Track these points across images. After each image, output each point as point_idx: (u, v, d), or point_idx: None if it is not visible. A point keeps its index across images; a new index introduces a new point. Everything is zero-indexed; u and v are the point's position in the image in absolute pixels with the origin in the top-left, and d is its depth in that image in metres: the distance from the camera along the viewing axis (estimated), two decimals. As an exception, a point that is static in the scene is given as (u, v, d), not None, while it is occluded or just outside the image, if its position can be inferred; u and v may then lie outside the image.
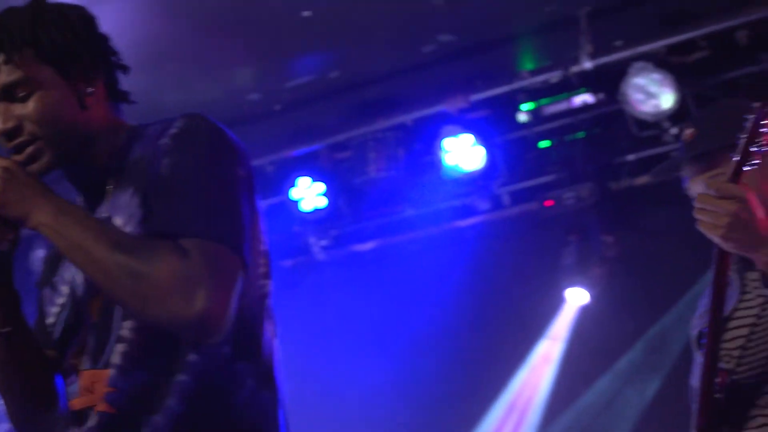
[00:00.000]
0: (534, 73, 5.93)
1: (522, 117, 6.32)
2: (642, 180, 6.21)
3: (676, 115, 5.76)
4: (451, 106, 6.06)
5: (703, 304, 3.06)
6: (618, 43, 5.79)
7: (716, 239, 2.51)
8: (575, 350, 6.21)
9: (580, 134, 6.28)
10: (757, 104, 2.55)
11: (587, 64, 5.70)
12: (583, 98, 6.17)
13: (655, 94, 5.70)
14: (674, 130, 5.85)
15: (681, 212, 6.19)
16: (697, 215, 2.53)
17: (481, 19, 5.72)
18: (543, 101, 6.27)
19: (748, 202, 2.47)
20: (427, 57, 5.98)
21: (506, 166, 6.32)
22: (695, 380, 3.09)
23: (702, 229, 2.53)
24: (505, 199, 6.51)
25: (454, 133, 6.18)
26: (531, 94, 6.24)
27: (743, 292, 2.89)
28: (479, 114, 6.27)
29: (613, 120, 6.13)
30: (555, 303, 6.22)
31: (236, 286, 1.94)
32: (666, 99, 5.68)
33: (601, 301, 6.15)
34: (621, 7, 5.75)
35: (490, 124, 6.30)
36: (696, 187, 2.91)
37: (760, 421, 2.73)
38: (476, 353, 6.40)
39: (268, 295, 2.16)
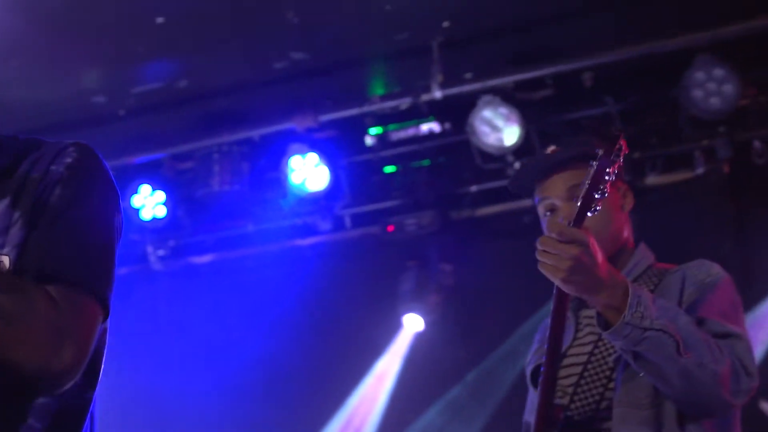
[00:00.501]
0: (384, 98, 5.96)
1: (369, 141, 6.36)
2: (483, 211, 6.32)
3: (520, 150, 5.88)
4: (300, 124, 6.04)
5: (538, 339, 3.14)
6: (468, 75, 5.88)
7: (557, 282, 2.55)
8: (409, 375, 6.25)
9: (426, 162, 6.36)
10: (600, 151, 2.58)
11: (437, 94, 5.76)
12: (431, 126, 6.26)
13: (500, 128, 5.81)
14: (517, 164, 5.96)
15: (519, 246, 6.37)
16: (540, 257, 2.56)
17: (335, 40, 5.71)
18: (391, 127, 6.32)
19: (590, 247, 2.50)
20: (278, 73, 5.93)
21: (350, 189, 6.34)
22: (530, 416, 3.16)
23: (543, 270, 2.56)
24: (347, 221, 6.52)
25: (300, 152, 6.16)
26: (379, 119, 6.27)
27: (577, 330, 2.96)
28: (327, 134, 6.27)
29: (459, 150, 6.21)
30: (392, 327, 6.24)
31: (96, 335, 1.90)
32: (510, 133, 5.79)
33: (436, 329, 6.20)
34: (473, 41, 5.83)
35: (337, 146, 6.31)
36: (555, 193, 2.95)
37: None
38: (311, 372, 6.38)
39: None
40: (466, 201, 6.29)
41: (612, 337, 2.56)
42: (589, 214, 2.56)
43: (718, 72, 5.44)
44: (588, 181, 2.56)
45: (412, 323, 6.16)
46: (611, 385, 2.78)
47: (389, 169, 6.47)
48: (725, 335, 2.69)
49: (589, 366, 2.84)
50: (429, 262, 6.16)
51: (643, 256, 2.99)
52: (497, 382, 6.02)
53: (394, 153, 6.38)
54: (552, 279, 2.56)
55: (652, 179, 5.92)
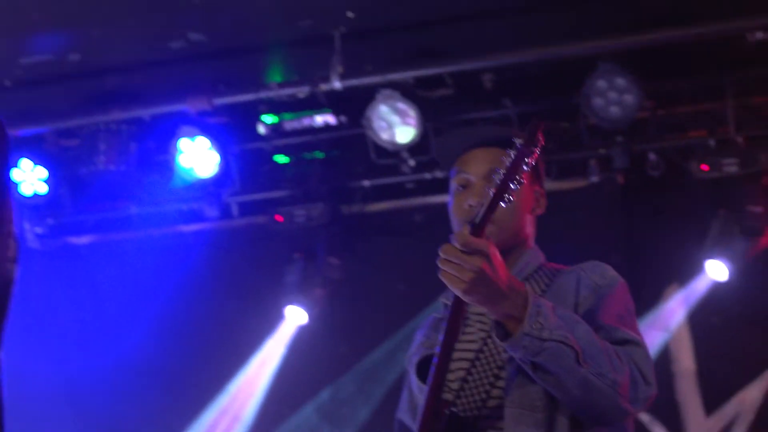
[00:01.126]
0: (282, 85, 5.79)
1: (262, 129, 6.22)
2: (374, 207, 6.26)
3: (415, 148, 5.82)
4: (193, 106, 5.85)
5: (423, 334, 3.06)
6: (369, 67, 5.78)
7: (458, 292, 2.50)
8: (290, 367, 6.15)
9: (319, 154, 6.26)
10: (519, 140, 2.54)
11: (337, 84, 5.62)
12: (326, 118, 6.16)
13: (396, 124, 5.74)
14: (412, 162, 5.92)
15: (408, 244, 6.36)
16: (441, 266, 2.50)
17: (235, 22, 5.54)
18: (285, 116, 6.20)
19: (492, 258, 2.46)
20: (174, 53, 5.73)
21: (239, 176, 6.19)
22: (403, 414, 3.14)
23: (444, 279, 2.50)
24: (234, 209, 6.38)
25: (191, 135, 5.98)
26: (274, 107, 6.14)
27: (465, 325, 2.88)
28: (220, 119, 6.10)
29: (354, 144, 6.13)
30: (275, 319, 6.12)
31: None
32: (406, 130, 5.73)
33: (320, 323, 6.12)
34: (376, 34, 5.72)
35: (229, 132, 6.15)
36: (476, 170, 2.87)
37: None
38: (189, 360, 6.25)
39: (13, 281, 1.96)
40: (357, 195, 6.21)
41: (511, 348, 2.52)
42: (502, 204, 2.51)
43: (620, 81, 5.45)
44: (504, 171, 2.51)
45: (296, 316, 6.05)
46: (499, 383, 2.73)
47: (281, 158, 6.34)
48: (623, 342, 2.66)
49: (477, 363, 2.78)
50: (316, 255, 6.06)
51: (535, 255, 2.94)
52: (380, 379, 5.97)
53: (287, 143, 6.26)
54: (452, 289, 2.50)
55: (546, 184, 5.88)
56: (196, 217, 6.39)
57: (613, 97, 5.49)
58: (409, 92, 5.73)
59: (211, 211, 6.28)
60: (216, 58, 5.83)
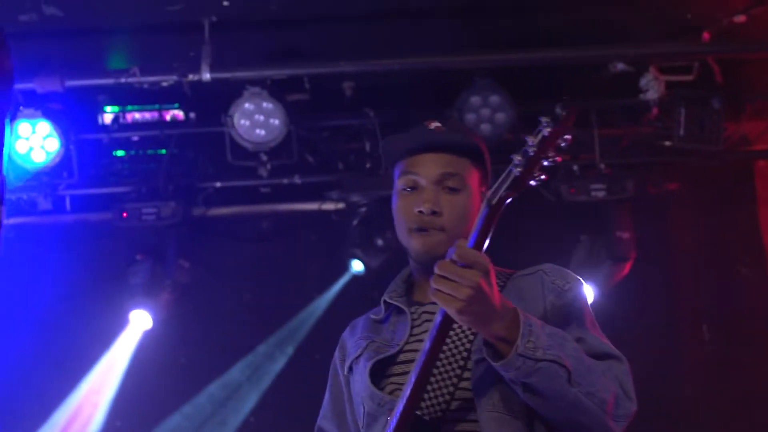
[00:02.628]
0: (145, 73, 5.40)
1: (107, 119, 5.84)
2: (223, 211, 5.98)
3: (275, 151, 5.60)
4: (42, 86, 5.39)
5: (358, 337, 2.89)
6: (236, 64, 5.50)
7: (452, 312, 2.31)
8: (137, 374, 5.79)
9: (163, 150, 5.90)
10: (546, 119, 2.32)
11: (206, 76, 5.30)
12: (174, 113, 5.86)
13: (262, 124, 5.49)
14: (270, 166, 5.68)
15: (255, 251, 6.15)
16: (435, 284, 2.30)
17: (98, 1, 5.17)
18: (129, 107, 5.86)
19: (490, 274, 2.29)
20: (23, 26, 5.28)
21: (80, 167, 5.76)
22: (325, 421, 2.98)
23: (436, 299, 2.31)
24: (71, 202, 5.91)
25: (31, 118, 5.53)
26: (117, 98, 5.78)
27: (413, 326, 2.76)
28: (64, 104, 5.64)
29: (207, 143, 5.84)
30: (119, 322, 5.75)
31: None
32: (271, 130, 5.50)
33: (168, 328, 5.79)
34: (246, 28, 5.46)
35: (72, 118, 5.70)
36: (427, 173, 2.72)
37: None
38: (28, 365, 5.74)
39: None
40: (207, 197, 5.91)
41: (503, 369, 2.36)
42: (532, 183, 2.31)
43: (495, 99, 5.41)
44: (534, 149, 2.30)
45: (141, 320, 5.67)
46: (463, 384, 2.59)
47: (121, 153, 5.95)
48: (606, 356, 2.56)
49: (437, 364, 2.61)
50: (164, 257, 5.71)
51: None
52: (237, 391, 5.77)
53: (132, 136, 5.87)
54: (446, 308, 2.31)
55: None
56: (29, 208, 5.87)
57: (485, 114, 5.44)
58: (275, 92, 5.50)
59: (45, 204, 5.80)
60: (70, 37, 5.38)
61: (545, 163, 2.25)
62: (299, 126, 5.63)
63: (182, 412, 5.91)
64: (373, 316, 2.94)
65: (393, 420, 2.56)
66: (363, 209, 5.73)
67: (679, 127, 5.65)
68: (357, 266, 5.73)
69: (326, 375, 6.01)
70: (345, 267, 5.82)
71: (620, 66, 5.63)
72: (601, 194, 5.49)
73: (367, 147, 5.78)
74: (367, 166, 5.74)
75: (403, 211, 2.75)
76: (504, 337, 2.34)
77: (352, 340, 2.95)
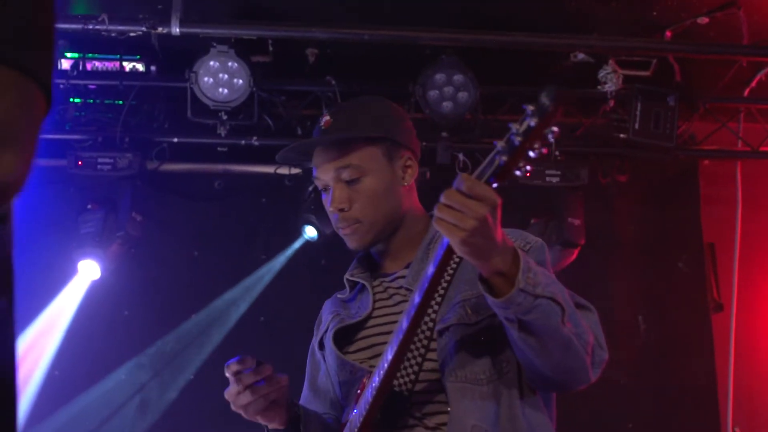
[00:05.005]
0: (111, 22, 5.32)
1: (65, 64, 5.77)
2: (176, 166, 5.97)
3: (235, 111, 5.59)
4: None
5: (327, 316, 2.99)
6: (204, 21, 5.45)
7: (454, 241, 2.27)
8: (82, 324, 5.74)
9: (120, 102, 5.84)
10: (531, 108, 2.14)
11: (175, 30, 5.23)
12: (135, 65, 5.81)
13: (225, 83, 5.48)
14: (229, 125, 5.66)
15: (206, 209, 6.12)
16: (439, 213, 2.25)
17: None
18: (90, 55, 5.78)
19: (497, 209, 2.27)
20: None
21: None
22: (303, 403, 3.02)
23: (439, 227, 2.28)
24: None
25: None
26: (78, 44, 5.70)
27: (375, 300, 2.84)
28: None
29: (170, 98, 5.81)
30: (65, 270, 5.69)
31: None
32: (235, 90, 5.49)
33: (115, 278, 5.76)
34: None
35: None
36: (325, 176, 2.82)
37: (420, 431, 2.65)
38: None
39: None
40: (163, 151, 5.87)
41: (503, 305, 2.36)
42: (517, 173, 2.22)
43: (458, 78, 5.45)
44: (520, 138, 2.15)
45: (89, 270, 5.62)
46: (431, 355, 2.65)
47: (77, 100, 5.88)
48: (578, 305, 2.60)
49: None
50: (117, 208, 5.66)
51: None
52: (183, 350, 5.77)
53: (90, 84, 5.80)
54: (448, 237, 2.28)
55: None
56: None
57: (448, 92, 5.48)
58: (242, 52, 5.49)
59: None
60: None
61: (531, 155, 2.16)
62: (261, 88, 5.62)
63: (124, 369, 5.88)
64: (339, 296, 3.03)
65: (368, 393, 2.63)
66: (319, 176, 5.73)
67: (634, 121, 5.75)
68: (310, 232, 5.74)
69: (271, 339, 6.07)
70: (297, 232, 5.82)
71: (581, 56, 5.70)
72: (555, 180, 5.57)
73: (326, 115, 5.78)
74: (326, 133, 5.74)
75: (327, 212, 2.89)
76: (503, 271, 2.34)
77: (324, 316, 3.03)
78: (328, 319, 2.96)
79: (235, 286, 5.92)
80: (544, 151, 2.17)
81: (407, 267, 2.83)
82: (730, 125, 6.20)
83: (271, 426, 2.82)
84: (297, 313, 5.69)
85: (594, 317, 2.65)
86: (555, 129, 2.14)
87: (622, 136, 5.80)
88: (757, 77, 6.10)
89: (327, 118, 2.86)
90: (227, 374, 2.68)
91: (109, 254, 5.60)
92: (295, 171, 5.89)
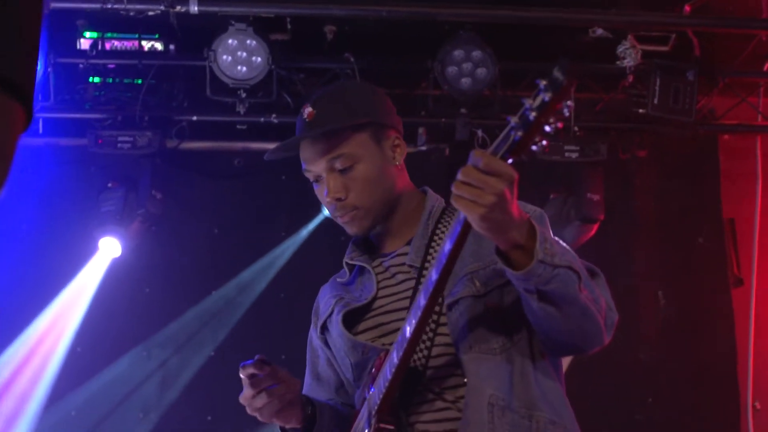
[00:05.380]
0: (129, 1, 5.34)
1: (84, 44, 5.79)
2: (196, 145, 6.01)
3: (254, 89, 5.61)
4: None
5: (329, 298, 2.99)
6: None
7: (473, 218, 2.28)
8: (104, 302, 5.78)
9: (139, 80, 5.86)
10: (543, 82, 2.15)
11: (194, 8, 5.28)
12: (153, 44, 5.83)
13: (244, 61, 5.50)
14: (248, 102, 5.69)
15: (227, 188, 6.16)
16: (457, 190, 2.26)
17: None
18: (109, 35, 5.80)
19: (514, 184, 2.26)
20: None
21: (56, 91, 5.72)
22: (306, 392, 3.02)
23: (458, 204, 2.28)
24: (44, 125, 5.85)
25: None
26: (97, 23, 5.72)
27: (379, 279, 2.85)
28: (44, 28, 5.60)
29: (189, 76, 5.83)
30: (87, 248, 5.72)
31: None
32: (254, 68, 5.50)
33: (135, 256, 5.80)
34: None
35: (50, 42, 5.65)
36: (316, 168, 2.80)
37: (440, 405, 2.67)
38: (2, 284, 5.68)
39: None
40: (182, 130, 5.90)
41: (523, 277, 2.37)
42: (533, 148, 2.23)
43: (477, 54, 5.45)
44: (535, 113, 2.16)
45: (110, 248, 5.66)
46: (441, 330, 2.67)
47: (97, 79, 5.91)
48: (587, 270, 2.58)
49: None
50: (137, 186, 5.70)
51: (433, 196, 2.91)
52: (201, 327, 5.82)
53: (109, 63, 5.82)
54: (467, 214, 2.28)
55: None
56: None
57: (467, 68, 5.49)
58: (260, 29, 5.50)
59: (17, 127, 5.75)
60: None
61: (547, 129, 2.16)
62: (279, 66, 5.63)
63: (146, 346, 5.94)
64: (339, 279, 3.02)
65: (387, 371, 2.63)
66: (338, 153, 5.76)
67: (653, 96, 5.74)
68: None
69: (291, 315, 6.10)
70: (316, 209, 5.85)
71: (599, 31, 5.68)
72: (574, 155, 5.57)
73: (344, 92, 5.80)
74: (344, 110, 5.76)
75: (322, 202, 2.87)
76: (521, 244, 2.35)
77: (323, 302, 3.03)
78: (330, 304, 2.95)
79: (255, 263, 5.96)
80: (560, 125, 2.16)
81: (408, 244, 2.83)
82: (750, 100, 6.18)
83: (288, 426, 2.84)
84: (317, 290, 5.74)
85: (602, 280, 2.66)
86: (570, 103, 2.14)
87: (641, 111, 5.79)
88: (778, 51, 6.09)
89: (309, 109, 2.84)
90: (242, 375, 2.70)
91: (129, 232, 5.65)
92: (314, 148, 5.90)
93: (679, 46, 5.86)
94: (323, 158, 2.78)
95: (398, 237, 2.87)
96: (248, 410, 2.75)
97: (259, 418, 2.76)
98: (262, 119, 5.79)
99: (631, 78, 5.84)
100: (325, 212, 5.78)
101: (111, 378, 5.85)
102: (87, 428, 5.83)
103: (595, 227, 5.71)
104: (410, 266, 2.78)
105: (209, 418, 5.88)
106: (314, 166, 2.81)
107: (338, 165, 2.77)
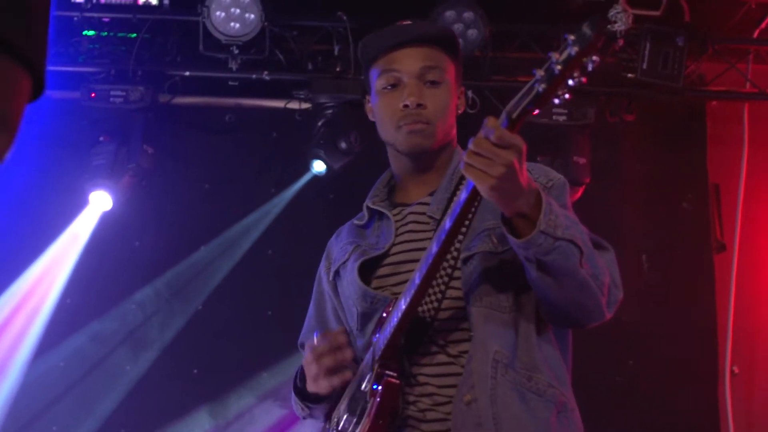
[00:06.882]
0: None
1: (79, -1, 5.81)
2: (188, 100, 6.04)
3: (247, 45, 5.63)
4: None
5: (344, 241, 3.02)
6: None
7: (483, 187, 2.36)
8: (94, 254, 5.83)
9: (134, 35, 5.87)
10: (571, 37, 2.15)
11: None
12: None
13: (237, 17, 5.52)
14: (240, 59, 5.71)
15: (218, 143, 6.18)
16: (468, 159, 2.34)
17: None
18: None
19: (523, 154, 2.35)
20: None
21: (50, 44, 5.71)
22: (307, 337, 3.08)
23: (468, 174, 2.36)
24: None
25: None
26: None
27: (398, 228, 2.87)
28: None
29: (182, 32, 5.85)
30: (80, 202, 5.76)
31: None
32: (246, 24, 5.53)
33: (126, 210, 5.84)
34: None
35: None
36: (408, 68, 2.80)
37: (443, 358, 2.71)
38: None
39: None
40: (175, 84, 5.92)
41: (523, 245, 2.44)
42: (556, 101, 2.27)
43: (468, 15, 5.48)
44: (559, 66, 2.17)
45: (101, 201, 5.70)
46: (454, 284, 2.72)
47: (91, 33, 5.93)
48: (597, 245, 2.67)
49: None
50: (129, 140, 5.72)
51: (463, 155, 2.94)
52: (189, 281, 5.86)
53: (103, 17, 5.83)
54: (477, 183, 2.36)
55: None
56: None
57: (458, 29, 5.50)
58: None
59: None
60: None
61: (570, 83, 2.20)
62: (272, 23, 5.65)
63: (133, 300, 5.99)
64: (356, 222, 3.05)
65: (393, 317, 2.69)
66: (329, 111, 5.79)
67: (642, 61, 5.78)
68: (318, 167, 5.80)
69: (278, 272, 6.15)
70: (305, 167, 5.89)
71: (589, -5, 5.72)
72: (562, 119, 5.61)
73: (336, 50, 5.83)
74: (337, 69, 5.79)
75: (388, 108, 2.83)
76: (526, 213, 2.42)
77: (338, 246, 3.05)
78: (347, 250, 2.98)
79: (244, 219, 6.01)
80: (584, 80, 2.20)
81: (430, 194, 2.86)
82: (739, 66, 6.22)
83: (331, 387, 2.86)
84: (305, 246, 5.77)
85: (611, 256, 2.71)
86: (595, 58, 2.17)
87: (630, 75, 5.82)
88: (767, 19, 6.12)
89: (407, 22, 2.89)
90: (310, 347, 2.80)
91: (120, 186, 5.68)
92: (305, 106, 5.94)
93: (671, 10, 5.88)
94: (422, 62, 2.80)
95: (423, 186, 2.90)
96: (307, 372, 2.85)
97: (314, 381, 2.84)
98: (254, 76, 5.82)
99: (621, 42, 5.86)
100: (314, 169, 5.83)
101: (99, 330, 5.91)
102: (75, 379, 5.90)
103: (581, 190, 5.75)
104: (430, 217, 2.81)
105: (195, 371, 5.95)
106: (407, 67, 2.81)
107: (430, 76, 2.79)
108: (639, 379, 6.15)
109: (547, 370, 2.66)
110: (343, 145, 5.71)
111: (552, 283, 2.51)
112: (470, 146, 2.34)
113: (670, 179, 6.49)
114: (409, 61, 2.81)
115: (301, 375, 2.96)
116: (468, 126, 2.84)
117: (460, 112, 2.91)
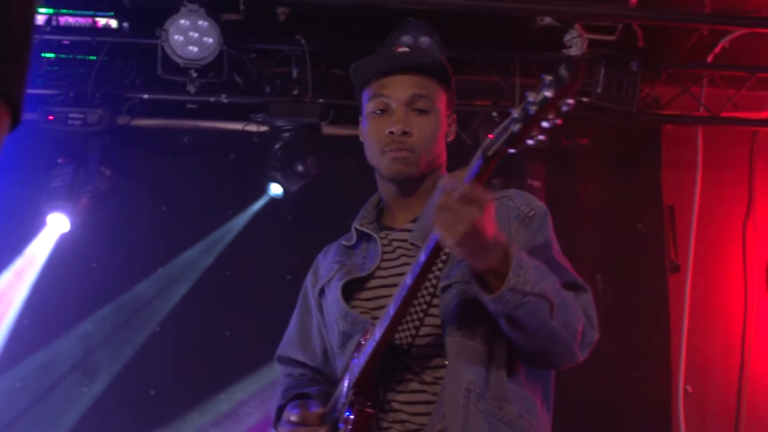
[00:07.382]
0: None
1: (40, 19, 5.81)
2: (149, 122, 6.05)
3: (205, 69, 5.66)
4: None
5: (330, 260, 3.05)
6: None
7: (449, 243, 2.39)
8: (51, 277, 5.83)
9: (93, 57, 5.89)
10: (548, 78, 2.13)
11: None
12: (108, 21, 5.87)
13: (195, 41, 5.55)
14: (198, 82, 5.74)
15: (175, 165, 6.20)
16: (437, 211, 2.38)
17: None
18: (63, 11, 5.84)
19: (490, 211, 2.38)
20: None
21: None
22: (288, 349, 3.17)
23: (437, 227, 2.40)
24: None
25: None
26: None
27: (384, 252, 2.89)
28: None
29: (141, 54, 5.88)
30: (34, 223, 5.78)
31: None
32: (205, 48, 5.56)
33: (83, 232, 5.85)
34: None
35: None
36: (397, 95, 2.83)
37: (416, 386, 2.73)
38: None
39: None
40: (134, 107, 5.95)
41: (492, 302, 2.47)
42: (529, 142, 2.23)
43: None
44: (536, 107, 2.15)
45: (58, 223, 5.71)
46: (432, 311, 2.73)
47: (50, 55, 5.94)
48: (572, 286, 2.70)
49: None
50: (87, 162, 5.74)
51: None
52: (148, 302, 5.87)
53: (63, 39, 5.86)
54: (444, 236, 2.38)
55: (327, 129, 5.94)
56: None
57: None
58: (213, 11, 5.56)
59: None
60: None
61: (545, 125, 2.18)
62: (231, 47, 5.69)
63: (90, 320, 5.99)
64: (344, 242, 3.07)
65: (369, 345, 2.71)
66: (286, 134, 5.83)
67: (596, 85, 5.86)
68: (275, 189, 5.84)
69: (236, 293, 6.16)
70: (263, 189, 5.92)
71: (547, 20, 5.79)
72: (510, 142, 5.64)
73: (294, 73, 5.88)
74: (294, 92, 5.85)
75: (375, 132, 2.86)
76: (494, 269, 2.44)
77: (325, 264, 3.08)
78: (333, 268, 3.00)
79: (202, 241, 6.04)
80: (558, 122, 2.17)
81: (414, 221, 2.88)
82: (692, 90, 6.32)
83: None
84: (262, 268, 5.82)
85: (588, 297, 2.73)
86: (570, 101, 2.15)
87: (585, 99, 5.90)
88: (720, 44, 6.22)
89: (404, 48, 2.90)
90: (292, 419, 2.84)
91: (78, 208, 5.69)
92: (263, 128, 5.98)
93: (626, 35, 5.98)
94: (411, 90, 2.83)
95: (407, 211, 2.91)
96: None
97: None
98: (212, 99, 5.86)
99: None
100: (271, 192, 5.86)
101: (56, 351, 5.91)
102: (31, 400, 5.89)
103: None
104: (412, 244, 2.83)
105: (152, 392, 5.96)
106: (396, 93, 2.84)
107: (419, 105, 2.82)
108: (592, 398, 6.19)
109: (517, 401, 2.67)
110: (300, 168, 5.74)
111: (522, 335, 2.55)
112: (438, 198, 2.38)
113: (625, 201, 6.57)
114: (400, 88, 2.85)
115: (277, 414, 2.99)
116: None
117: (449, 139, 2.94)
